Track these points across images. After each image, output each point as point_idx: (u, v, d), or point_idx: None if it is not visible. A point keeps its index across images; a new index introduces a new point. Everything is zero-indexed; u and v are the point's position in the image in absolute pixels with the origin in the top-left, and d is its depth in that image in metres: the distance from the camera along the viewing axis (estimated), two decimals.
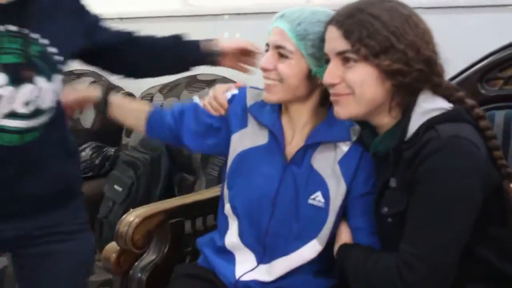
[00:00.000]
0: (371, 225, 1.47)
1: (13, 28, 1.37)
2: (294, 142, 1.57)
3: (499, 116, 1.65)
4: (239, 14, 2.47)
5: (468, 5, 1.96)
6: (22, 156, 1.44)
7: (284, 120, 1.60)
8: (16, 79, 1.37)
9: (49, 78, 1.42)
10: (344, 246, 1.47)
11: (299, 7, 1.53)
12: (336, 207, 1.50)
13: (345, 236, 1.50)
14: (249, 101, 1.64)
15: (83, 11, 1.57)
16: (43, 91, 1.42)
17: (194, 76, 2.56)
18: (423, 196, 1.27)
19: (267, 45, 1.53)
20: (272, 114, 1.60)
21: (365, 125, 1.46)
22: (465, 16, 1.98)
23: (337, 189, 1.50)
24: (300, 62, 1.49)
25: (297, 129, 1.58)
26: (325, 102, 1.53)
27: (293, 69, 1.49)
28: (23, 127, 1.42)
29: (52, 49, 1.43)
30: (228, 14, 2.46)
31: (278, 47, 1.49)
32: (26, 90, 1.39)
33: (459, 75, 1.76)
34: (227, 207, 1.61)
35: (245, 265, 1.58)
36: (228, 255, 1.61)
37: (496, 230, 1.33)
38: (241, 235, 1.59)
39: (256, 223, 1.57)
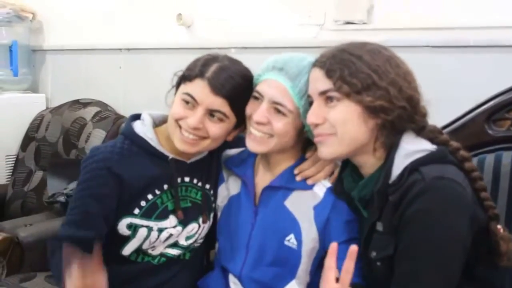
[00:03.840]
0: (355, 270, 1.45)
1: (187, 179, 1.63)
2: (263, 183, 1.59)
3: (507, 157, 1.63)
4: (245, 48, 2.48)
5: (476, 45, 1.96)
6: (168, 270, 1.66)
7: (260, 164, 1.62)
8: (186, 221, 1.62)
9: (208, 217, 1.66)
10: None
11: (292, 55, 1.51)
12: (308, 249, 1.51)
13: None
14: (224, 157, 1.69)
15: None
16: (201, 228, 1.66)
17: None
18: (413, 239, 1.27)
19: (259, 94, 1.50)
20: (245, 162, 1.63)
21: (346, 171, 1.47)
22: (473, 56, 1.97)
23: (309, 233, 1.50)
24: (295, 120, 1.49)
25: (271, 170, 1.59)
26: (305, 148, 1.56)
27: (288, 127, 1.49)
28: (179, 253, 1.66)
29: (211, 192, 1.68)
30: (234, 47, 2.47)
31: (276, 103, 1.47)
32: (190, 228, 1.64)
33: (466, 115, 1.75)
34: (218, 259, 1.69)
35: None
36: None
37: (484, 270, 1.33)
38: (234, 279, 1.62)
39: (233, 271, 1.60)
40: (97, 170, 1.52)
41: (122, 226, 1.56)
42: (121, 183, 1.53)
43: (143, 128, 1.60)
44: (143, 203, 1.56)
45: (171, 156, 1.58)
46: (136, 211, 1.55)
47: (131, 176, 1.54)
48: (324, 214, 1.49)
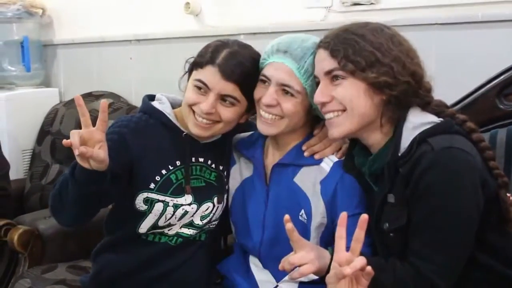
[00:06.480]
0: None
1: (201, 159, 1.67)
2: (273, 163, 1.61)
3: None
4: (254, 33, 2.49)
5: (485, 20, 1.95)
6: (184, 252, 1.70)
7: (270, 145, 1.64)
8: (201, 199, 1.65)
9: (222, 198, 1.69)
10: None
11: (295, 37, 1.54)
12: (316, 224, 1.54)
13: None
14: (234, 140, 1.73)
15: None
16: (216, 208, 1.68)
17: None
18: (430, 211, 1.30)
19: (266, 77, 1.52)
20: (254, 144, 1.66)
21: (355, 147, 1.50)
22: (483, 31, 1.97)
23: (317, 207, 1.53)
24: (304, 100, 1.52)
25: (280, 150, 1.62)
26: (313, 126, 1.59)
27: (297, 107, 1.52)
28: (195, 233, 1.69)
29: (224, 174, 1.71)
30: (243, 34, 2.48)
31: (283, 85, 1.50)
32: (205, 208, 1.67)
33: (476, 90, 1.75)
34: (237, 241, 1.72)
35: (266, 285, 1.62)
36: (251, 278, 1.66)
37: (495, 237, 1.36)
38: (254, 260, 1.67)
39: (252, 251, 1.65)
40: (112, 134, 1.56)
41: (139, 201, 1.61)
42: (128, 147, 1.58)
43: (161, 106, 1.65)
44: (157, 178, 1.61)
45: (186, 131, 1.63)
46: (152, 185, 1.61)
47: (141, 145, 1.60)
48: (330, 188, 1.52)
